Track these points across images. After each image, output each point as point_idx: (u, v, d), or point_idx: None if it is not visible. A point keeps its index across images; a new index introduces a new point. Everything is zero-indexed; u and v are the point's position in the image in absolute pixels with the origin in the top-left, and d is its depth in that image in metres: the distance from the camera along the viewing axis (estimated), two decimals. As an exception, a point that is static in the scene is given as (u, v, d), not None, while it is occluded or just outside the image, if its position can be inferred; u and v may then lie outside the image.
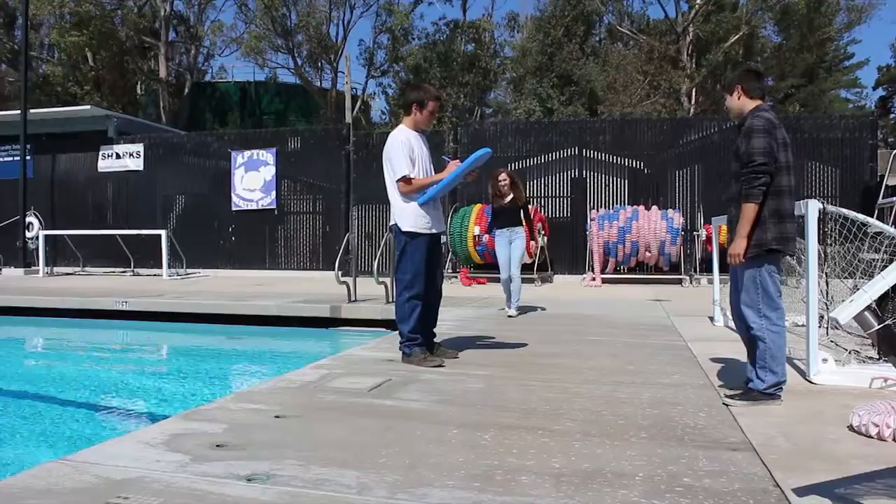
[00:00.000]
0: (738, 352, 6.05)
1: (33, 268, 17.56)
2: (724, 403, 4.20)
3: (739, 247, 4.15)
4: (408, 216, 5.41)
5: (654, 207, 13.85)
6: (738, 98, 4.35)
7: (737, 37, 32.95)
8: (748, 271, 4.21)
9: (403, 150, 5.37)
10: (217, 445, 3.39)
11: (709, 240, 13.05)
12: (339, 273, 9.86)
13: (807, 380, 4.79)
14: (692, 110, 32.76)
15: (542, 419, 3.87)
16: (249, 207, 17.05)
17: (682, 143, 15.29)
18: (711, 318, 7.95)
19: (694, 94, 33.85)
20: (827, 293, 5.44)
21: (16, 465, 3.14)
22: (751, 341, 4.27)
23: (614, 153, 15.31)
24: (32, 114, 18.15)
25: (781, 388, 4.21)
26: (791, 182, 4.20)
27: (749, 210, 4.08)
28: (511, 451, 3.29)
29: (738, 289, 4.34)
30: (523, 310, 9.14)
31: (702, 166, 14.92)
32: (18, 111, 18.13)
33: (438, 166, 5.79)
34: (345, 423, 3.82)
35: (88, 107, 21.43)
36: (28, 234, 17.99)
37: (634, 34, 35.26)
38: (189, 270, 16.67)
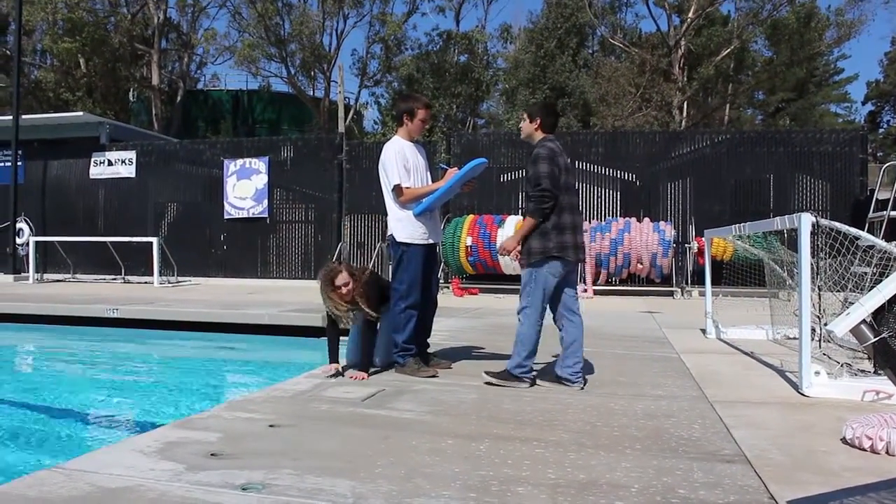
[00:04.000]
0: (732, 363, 6.10)
1: (23, 274, 17.46)
2: (485, 383, 5.02)
3: (510, 244, 5.00)
4: (405, 226, 5.41)
5: (646, 220, 13.89)
6: (536, 129, 5.10)
7: (728, 51, 33.19)
8: (529, 271, 4.95)
9: (398, 160, 5.38)
10: (211, 454, 3.38)
11: (700, 252, 13.09)
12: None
13: (799, 392, 4.80)
14: (683, 123, 32.96)
15: (537, 430, 3.87)
16: (241, 216, 17.02)
17: (674, 156, 15.36)
18: (703, 331, 7.96)
19: (685, 107, 34.06)
20: (819, 306, 5.46)
21: (6, 473, 3.12)
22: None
23: (606, 165, 15.37)
24: (24, 119, 18.10)
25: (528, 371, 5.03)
26: (571, 201, 5.01)
27: (529, 224, 4.91)
28: (506, 462, 3.29)
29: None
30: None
31: (693, 179, 14.99)
32: (10, 117, 18.08)
33: (435, 175, 5.80)
34: (339, 432, 3.82)
35: (81, 113, 21.33)
36: (18, 241, 17.89)
37: (627, 47, 35.45)
38: (180, 278, 16.63)
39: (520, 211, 15.17)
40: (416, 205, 5.40)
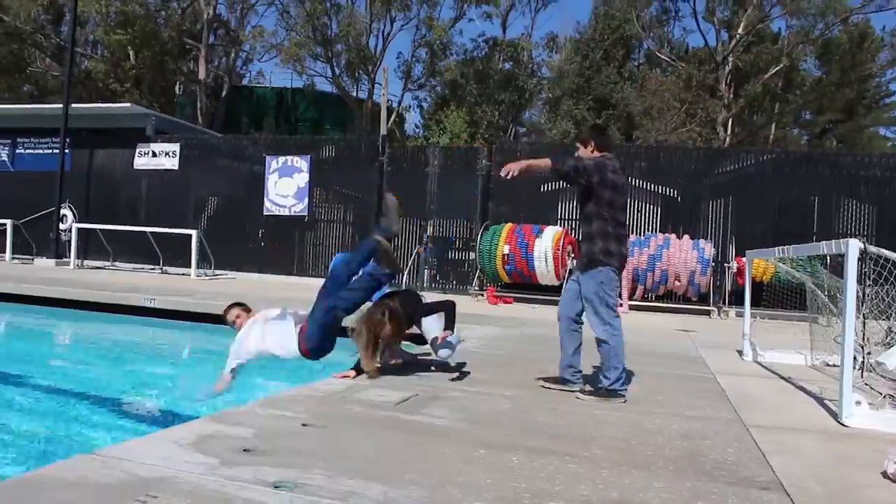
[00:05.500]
0: (768, 387, 6.01)
1: (64, 259, 17.79)
2: (576, 397, 5.04)
3: (514, 165, 4.93)
4: None
5: (686, 237, 13.75)
6: (592, 151, 5.20)
7: (776, 69, 32.75)
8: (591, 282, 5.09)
9: None
10: (244, 450, 3.41)
11: (740, 272, 12.93)
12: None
13: (838, 421, 4.71)
14: (728, 140, 32.57)
15: (570, 444, 3.85)
16: (281, 213, 17.16)
17: (718, 174, 15.19)
18: (740, 352, 7.85)
19: (730, 124, 33.66)
20: (863, 334, 5.36)
21: (44, 457, 3.17)
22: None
23: (648, 179, 15.24)
24: (74, 108, 18.43)
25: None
26: (621, 219, 5.21)
27: (545, 161, 5.06)
28: (539, 475, 3.27)
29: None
30: (553, 330, 9.07)
31: (736, 197, 14.79)
32: (60, 105, 18.45)
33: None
34: (371, 435, 3.82)
35: (128, 104, 21.73)
36: (62, 226, 18.23)
37: (673, 61, 35.18)
38: (217, 271, 16.80)
39: (559, 221, 15.10)
40: None
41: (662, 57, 36.05)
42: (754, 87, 32.45)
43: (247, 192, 17.66)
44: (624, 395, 5.01)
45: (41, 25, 35.29)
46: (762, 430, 4.40)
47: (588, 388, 5.21)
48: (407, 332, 5.60)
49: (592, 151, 5.20)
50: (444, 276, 16.07)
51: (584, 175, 5.02)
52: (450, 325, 5.57)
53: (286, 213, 17.13)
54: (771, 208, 14.56)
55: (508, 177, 4.95)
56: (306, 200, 16.98)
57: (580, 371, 5.31)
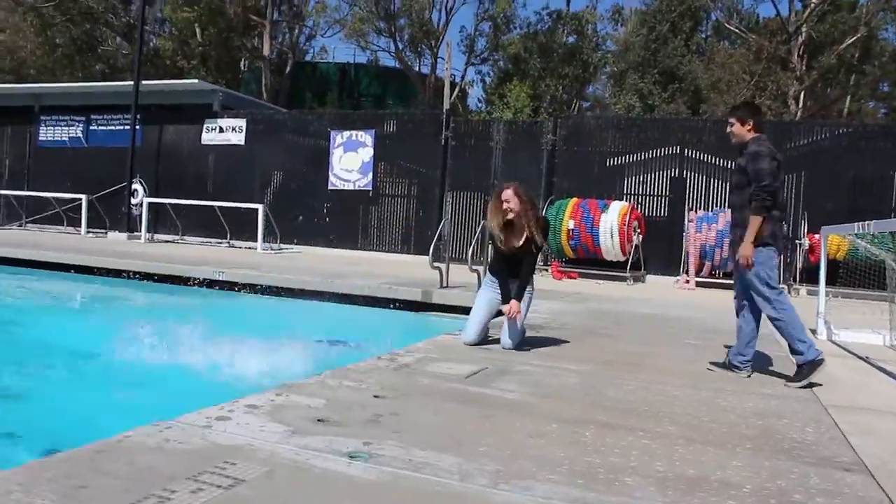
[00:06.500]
0: (845, 367, 5.85)
1: (136, 233, 18.25)
2: (785, 386, 4.93)
3: (748, 251, 4.96)
4: None
5: (756, 212, 13.41)
6: (749, 130, 5.17)
7: (853, 39, 31.51)
8: (758, 257, 4.99)
9: None
10: (318, 420, 3.46)
11: (812, 249, 12.58)
12: (432, 258, 9.90)
13: (921, 403, 4.57)
14: (799, 114, 31.55)
15: (642, 420, 3.80)
16: (346, 188, 17.29)
17: (789, 148, 14.73)
18: (814, 331, 7.64)
19: (802, 97, 32.58)
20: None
21: (124, 422, 3.26)
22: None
23: (716, 154, 14.88)
24: (143, 85, 18.82)
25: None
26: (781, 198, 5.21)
27: (756, 223, 4.93)
28: (612, 451, 3.24)
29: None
30: (618, 306, 8.99)
31: (808, 173, 14.33)
32: (131, 82, 18.85)
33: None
34: (443, 408, 3.84)
35: (196, 81, 22.07)
36: (133, 201, 18.71)
37: (743, 32, 34.11)
38: (283, 246, 17.04)
39: (625, 196, 14.87)
40: None
41: (731, 28, 34.97)
42: (829, 59, 31.27)
43: (311, 167, 17.83)
44: (823, 360, 4.95)
45: (112, 5, 36.04)
46: (840, 410, 4.29)
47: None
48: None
49: (749, 130, 5.16)
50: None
51: (776, 179, 4.99)
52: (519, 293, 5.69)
53: (350, 187, 17.25)
54: (845, 184, 14.06)
55: (747, 266, 5.01)
56: (370, 175, 17.07)
57: (750, 360, 5.28)
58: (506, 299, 5.64)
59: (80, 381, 5.99)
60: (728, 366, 5.27)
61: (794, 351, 5.00)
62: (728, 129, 5.28)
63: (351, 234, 17.36)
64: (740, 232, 5.06)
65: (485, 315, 5.85)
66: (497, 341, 5.78)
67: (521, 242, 5.65)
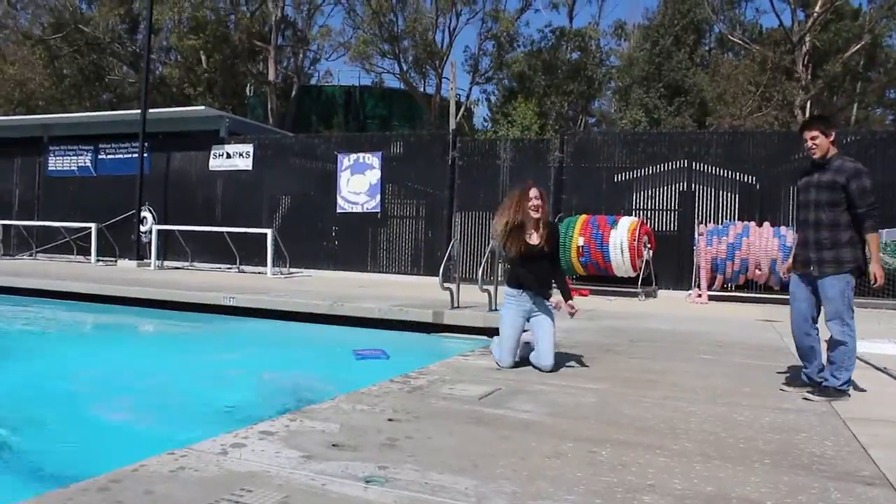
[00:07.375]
0: (862, 378, 5.78)
1: (146, 260, 18.30)
2: (803, 398, 4.92)
3: (880, 270, 4.95)
4: None
5: (766, 224, 13.36)
6: (831, 142, 5.05)
7: (857, 46, 31.52)
8: (844, 281, 4.94)
9: None
10: (333, 445, 3.45)
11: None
12: (442, 279, 9.89)
13: (941, 413, 4.51)
14: (806, 124, 31.46)
15: (659, 438, 3.77)
16: (354, 210, 17.32)
17: (797, 158, 14.69)
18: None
19: (809, 106, 32.56)
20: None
21: (144, 451, 3.26)
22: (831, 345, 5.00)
23: (725, 167, 14.86)
24: (151, 113, 18.93)
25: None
26: None
27: (876, 239, 4.96)
28: (630, 469, 3.21)
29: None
30: (631, 322, 8.95)
31: (817, 182, 14.26)
32: (138, 111, 18.99)
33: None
34: (458, 430, 3.82)
35: (202, 107, 22.22)
36: (142, 228, 18.78)
37: (747, 44, 34.18)
38: (292, 270, 17.06)
39: (634, 211, 14.86)
40: None
41: (735, 40, 35.06)
42: (834, 67, 31.29)
43: (319, 190, 17.88)
44: (849, 394, 4.96)
45: (118, 35, 36.46)
46: (860, 423, 4.24)
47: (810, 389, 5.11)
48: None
49: (832, 143, 5.07)
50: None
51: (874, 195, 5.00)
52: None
53: (359, 209, 17.28)
54: (855, 192, 13.98)
55: (876, 285, 4.97)
56: (378, 197, 17.10)
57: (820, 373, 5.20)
58: (537, 298, 5.77)
59: (98, 409, 5.99)
60: (821, 388, 5.03)
61: (834, 375, 4.96)
62: (809, 143, 5.06)
63: (360, 257, 17.37)
64: (834, 253, 4.95)
65: (517, 335, 5.77)
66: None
67: (540, 241, 5.68)
